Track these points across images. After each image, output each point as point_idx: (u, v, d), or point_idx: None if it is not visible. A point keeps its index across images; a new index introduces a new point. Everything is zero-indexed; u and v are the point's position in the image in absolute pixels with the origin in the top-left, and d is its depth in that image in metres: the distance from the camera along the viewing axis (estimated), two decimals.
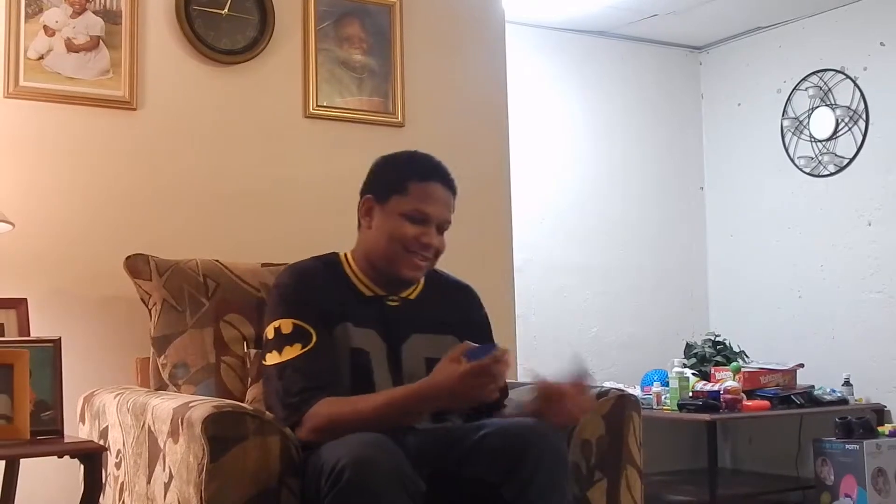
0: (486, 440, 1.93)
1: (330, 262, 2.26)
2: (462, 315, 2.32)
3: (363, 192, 2.27)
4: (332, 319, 2.13)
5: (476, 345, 1.96)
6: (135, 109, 2.93)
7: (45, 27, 2.81)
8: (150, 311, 2.59)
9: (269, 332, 2.12)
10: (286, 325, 2.09)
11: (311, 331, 2.07)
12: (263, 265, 2.70)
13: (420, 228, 2.16)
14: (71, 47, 2.84)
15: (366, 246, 2.23)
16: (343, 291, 2.20)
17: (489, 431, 1.95)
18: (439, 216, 2.19)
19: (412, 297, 2.27)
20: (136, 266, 2.60)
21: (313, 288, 2.16)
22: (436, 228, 2.20)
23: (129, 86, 2.91)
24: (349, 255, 2.28)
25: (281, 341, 2.08)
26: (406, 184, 2.18)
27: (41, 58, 2.80)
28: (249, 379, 2.47)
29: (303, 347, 2.06)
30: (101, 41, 2.88)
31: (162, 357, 2.53)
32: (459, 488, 1.93)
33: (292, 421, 2.00)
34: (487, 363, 1.88)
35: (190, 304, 2.55)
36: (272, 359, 2.09)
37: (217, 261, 2.66)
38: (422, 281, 2.29)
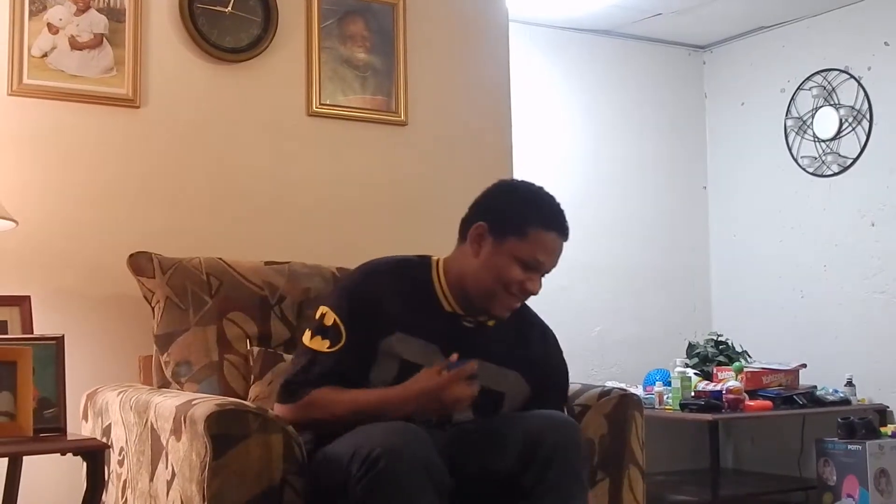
0: (504, 432, 1.98)
1: (417, 266, 2.20)
2: (533, 354, 2.25)
3: (477, 215, 2.17)
4: (387, 326, 2.10)
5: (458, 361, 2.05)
6: (138, 107, 2.93)
7: (49, 25, 2.81)
8: (153, 308, 2.60)
9: (317, 313, 2.14)
10: (330, 317, 2.10)
11: (344, 335, 2.08)
12: (266, 263, 2.71)
13: (528, 275, 2.12)
14: (75, 45, 2.84)
15: (465, 269, 2.14)
16: (419, 299, 2.15)
17: (507, 424, 2.02)
18: (551, 266, 2.16)
19: (489, 323, 2.21)
20: (140, 264, 2.61)
21: (376, 293, 2.12)
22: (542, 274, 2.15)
23: (133, 83, 2.91)
24: (441, 266, 2.19)
25: (319, 329, 2.11)
26: (527, 228, 2.10)
27: (45, 55, 2.80)
28: (252, 377, 2.47)
29: (329, 346, 2.08)
30: (104, 39, 2.88)
31: (165, 355, 2.53)
32: (478, 480, 1.94)
33: (282, 398, 2.09)
34: (468, 369, 1.99)
35: (193, 301, 2.56)
36: (305, 337, 2.14)
37: (220, 259, 2.67)
38: None
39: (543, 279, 2.17)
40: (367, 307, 2.10)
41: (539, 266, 2.12)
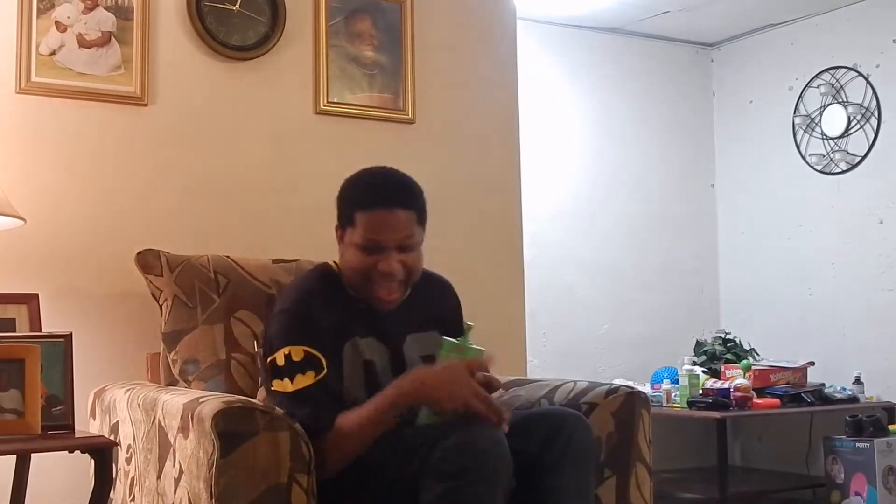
0: (526, 420, 2.11)
1: (327, 276, 2.26)
2: (442, 310, 2.36)
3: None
4: (341, 338, 2.15)
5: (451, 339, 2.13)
6: (146, 105, 2.94)
7: (57, 23, 2.82)
8: (160, 306, 2.60)
9: (280, 359, 2.08)
10: (297, 353, 2.07)
11: (322, 358, 2.07)
12: (274, 261, 2.71)
13: (375, 257, 2.13)
14: (83, 43, 2.85)
15: (344, 269, 2.24)
16: (344, 305, 2.20)
17: (528, 413, 2.19)
18: (393, 241, 2.14)
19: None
20: (148, 262, 2.61)
21: (318, 310, 2.14)
22: (398, 250, 2.15)
23: (141, 81, 2.91)
24: (339, 268, 2.26)
25: (293, 369, 2.06)
26: (353, 215, 2.16)
27: (53, 53, 2.81)
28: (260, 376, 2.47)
29: (315, 376, 2.06)
30: (112, 37, 2.89)
31: (172, 353, 2.53)
32: None
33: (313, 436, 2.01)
34: (482, 362, 2.06)
35: (201, 300, 2.56)
36: (282, 387, 2.07)
37: (228, 257, 2.67)
38: None
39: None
40: (318, 325, 2.11)
41: (379, 245, 2.13)
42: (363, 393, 2.13)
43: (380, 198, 2.16)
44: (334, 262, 2.29)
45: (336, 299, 2.19)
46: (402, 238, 2.15)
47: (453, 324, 2.32)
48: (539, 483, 2.04)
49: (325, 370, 2.06)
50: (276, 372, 2.09)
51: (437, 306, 2.35)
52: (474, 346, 2.14)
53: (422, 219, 2.20)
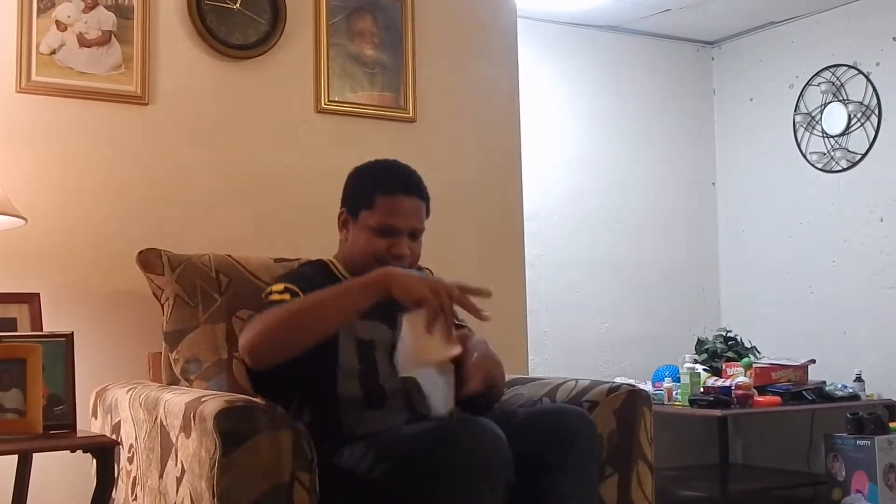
0: (530, 418, 2.12)
1: (321, 267, 2.34)
2: None
3: (341, 205, 2.33)
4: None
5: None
6: (147, 104, 2.94)
7: (58, 22, 2.82)
8: (162, 305, 2.60)
9: (263, 300, 2.15)
10: (278, 288, 2.14)
11: (299, 293, 2.11)
12: (276, 260, 2.71)
13: (390, 240, 2.21)
14: (83, 42, 2.85)
15: (346, 257, 2.30)
16: None
17: (531, 412, 2.19)
18: (408, 226, 2.23)
19: None
20: (149, 261, 2.61)
21: (311, 285, 2.16)
22: (408, 236, 2.23)
23: (141, 80, 2.91)
24: (335, 262, 2.34)
25: (272, 297, 2.12)
26: (372, 198, 2.22)
27: (53, 52, 2.81)
28: None
29: (291, 297, 2.10)
30: (113, 36, 2.89)
31: (174, 352, 2.53)
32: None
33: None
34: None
35: (202, 299, 2.56)
36: (262, 309, 2.10)
37: (229, 256, 2.67)
38: None
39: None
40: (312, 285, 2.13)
41: (396, 229, 2.21)
42: (356, 371, 2.15)
43: (401, 183, 2.26)
44: (330, 260, 2.35)
45: (330, 283, 2.18)
46: (415, 225, 2.24)
47: None
48: (541, 482, 2.04)
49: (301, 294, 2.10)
50: (259, 309, 2.12)
51: None
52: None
53: (428, 211, 2.30)
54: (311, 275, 2.27)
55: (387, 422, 2.10)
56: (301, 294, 2.10)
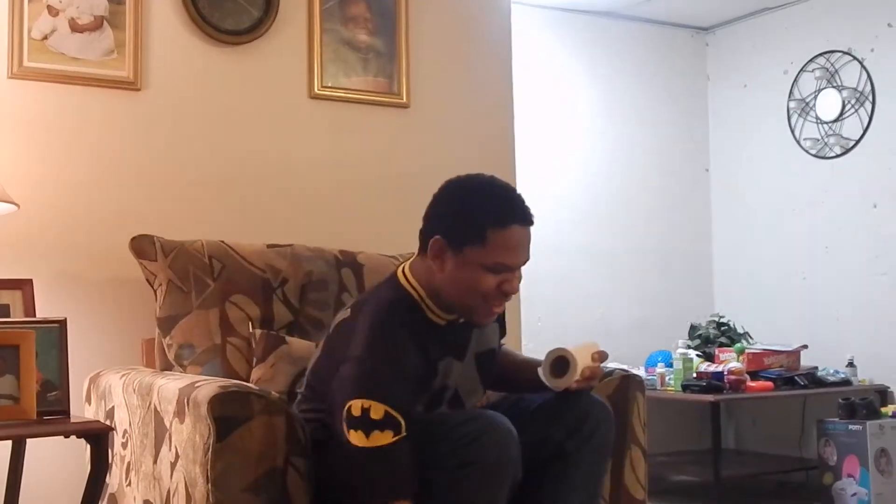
0: (552, 404, 2.11)
1: (408, 309, 2.04)
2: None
3: (432, 228, 2.03)
4: (428, 375, 2.03)
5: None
6: (139, 90, 2.93)
7: (49, 7, 2.80)
8: (155, 291, 2.60)
9: (356, 410, 1.86)
10: (377, 411, 1.85)
11: (402, 420, 1.85)
12: (269, 246, 2.71)
13: (502, 276, 1.99)
14: (75, 27, 2.83)
15: (437, 287, 2.03)
16: (426, 334, 2.04)
17: (554, 398, 2.12)
18: (522, 262, 2.01)
19: None
20: (142, 247, 2.60)
21: (406, 356, 1.94)
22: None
23: (134, 66, 2.90)
24: (416, 286, 2.06)
25: (368, 424, 1.85)
26: (483, 233, 1.95)
27: (45, 38, 2.80)
28: (255, 359, 2.48)
29: (394, 435, 1.84)
30: (105, 21, 2.87)
31: (167, 338, 2.53)
32: (528, 445, 1.96)
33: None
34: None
35: (195, 284, 2.56)
36: (358, 439, 1.85)
37: (222, 242, 2.67)
38: None
39: (529, 266, 2.06)
40: (405, 377, 1.92)
41: (510, 267, 1.99)
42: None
43: (516, 216, 1.99)
44: (407, 280, 2.08)
45: (419, 332, 2.01)
46: (527, 258, 2.02)
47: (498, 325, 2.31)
48: (555, 466, 2.06)
49: (404, 433, 1.85)
50: (351, 422, 1.87)
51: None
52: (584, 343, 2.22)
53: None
54: (403, 343, 1.95)
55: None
56: (400, 421, 1.84)
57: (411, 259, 2.12)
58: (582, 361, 2.10)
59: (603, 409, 2.12)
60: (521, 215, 2.00)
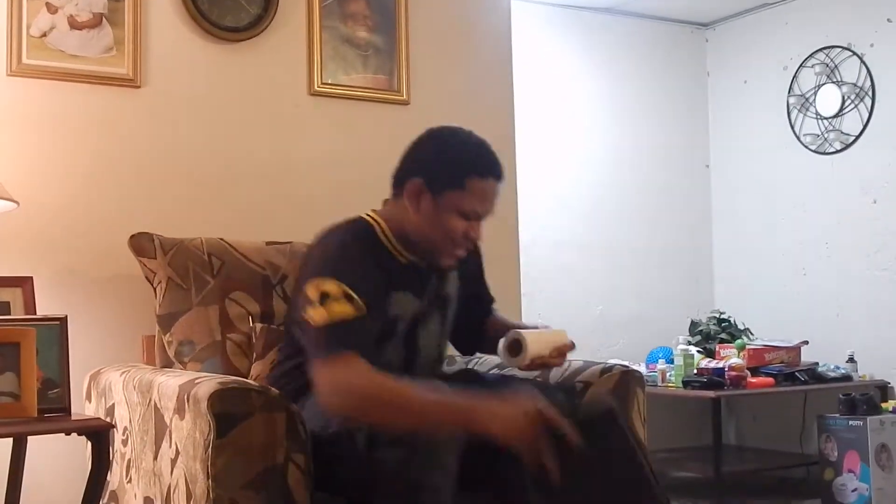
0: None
1: (366, 236, 2.14)
2: (468, 265, 2.34)
3: (411, 172, 2.15)
4: (380, 291, 2.07)
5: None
6: (138, 87, 2.93)
7: (48, 4, 2.80)
8: (154, 289, 2.60)
9: (312, 292, 1.95)
10: (334, 288, 1.94)
11: (360, 300, 1.94)
12: (268, 243, 2.71)
13: (469, 223, 2.12)
14: (74, 24, 2.83)
15: (407, 227, 2.14)
16: (386, 263, 2.13)
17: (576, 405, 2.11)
18: (490, 212, 2.15)
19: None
20: (141, 244, 2.61)
21: (364, 267, 2.04)
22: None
23: (133, 63, 2.90)
24: (383, 225, 2.16)
25: (328, 301, 1.93)
26: (464, 180, 2.09)
27: (44, 35, 2.80)
28: (255, 355, 2.48)
29: (355, 311, 1.93)
30: (104, 18, 2.87)
31: (167, 335, 2.53)
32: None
33: (329, 355, 1.91)
34: (559, 423, 1.85)
35: (195, 281, 2.56)
36: (318, 315, 1.93)
37: (222, 239, 2.67)
38: None
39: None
40: (362, 274, 2.01)
41: (480, 215, 2.14)
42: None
43: (494, 170, 2.15)
44: (369, 216, 2.19)
45: (374, 253, 2.11)
46: (493, 210, 2.17)
47: (475, 277, 2.39)
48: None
49: (365, 311, 1.94)
50: (309, 302, 1.95)
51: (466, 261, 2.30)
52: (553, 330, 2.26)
53: None
54: (360, 257, 2.05)
55: None
56: (358, 299, 1.93)
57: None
58: (537, 350, 2.16)
59: (609, 415, 2.04)
60: (497, 170, 2.15)
